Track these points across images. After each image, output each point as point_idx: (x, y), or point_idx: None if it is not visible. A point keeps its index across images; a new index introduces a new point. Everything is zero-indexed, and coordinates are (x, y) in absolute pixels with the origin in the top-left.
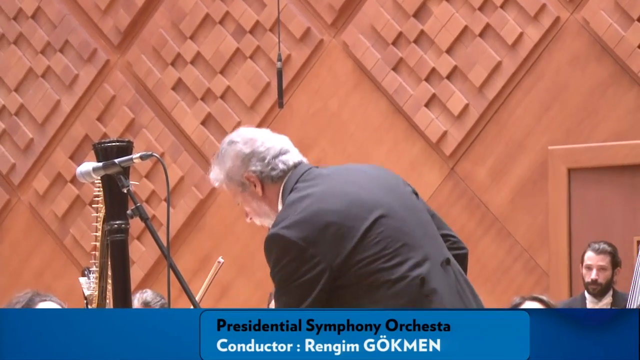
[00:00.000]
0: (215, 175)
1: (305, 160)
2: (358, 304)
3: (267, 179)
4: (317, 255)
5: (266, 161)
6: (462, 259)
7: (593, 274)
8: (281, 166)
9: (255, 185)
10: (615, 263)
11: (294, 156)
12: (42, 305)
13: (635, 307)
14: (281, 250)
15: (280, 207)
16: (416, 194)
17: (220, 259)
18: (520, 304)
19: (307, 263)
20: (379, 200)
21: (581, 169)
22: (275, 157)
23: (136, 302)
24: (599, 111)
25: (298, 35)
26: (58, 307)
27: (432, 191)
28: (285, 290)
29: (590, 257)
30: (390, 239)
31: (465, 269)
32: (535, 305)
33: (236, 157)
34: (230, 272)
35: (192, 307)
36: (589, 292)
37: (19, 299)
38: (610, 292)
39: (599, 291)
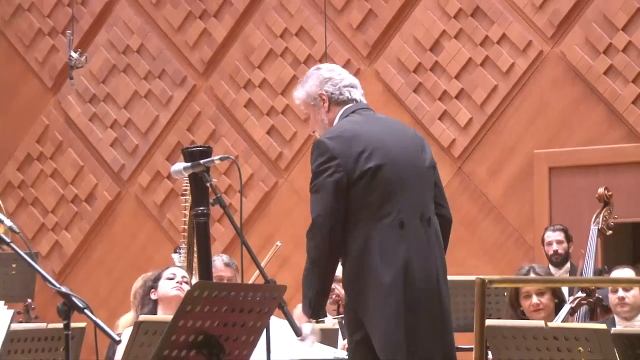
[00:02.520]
0: (298, 93)
1: (365, 101)
2: (351, 218)
3: (333, 101)
4: (341, 165)
5: (337, 87)
6: (445, 224)
7: (554, 246)
8: (346, 94)
9: (324, 102)
10: (568, 237)
11: (357, 93)
12: (170, 270)
13: (590, 273)
14: (320, 152)
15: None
16: (434, 167)
17: (278, 243)
18: (528, 272)
19: (334, 167)
20: (399, 153)
21: (559, 168)
22: (345, 86)
23: (218, 263)
24: (573, 123)
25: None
26: (182, 271)
27: (444, 185)
28: (317, 185)
29: (548, 235)
30: (389, 182)
31: (446, 233)
32: (532, 274)
33: (317, 79)
34: (288, 248)
35: (260, 274)
36: (552, 263)
37: (154, 273)
38: (568, 263)
39: (560, 260)
